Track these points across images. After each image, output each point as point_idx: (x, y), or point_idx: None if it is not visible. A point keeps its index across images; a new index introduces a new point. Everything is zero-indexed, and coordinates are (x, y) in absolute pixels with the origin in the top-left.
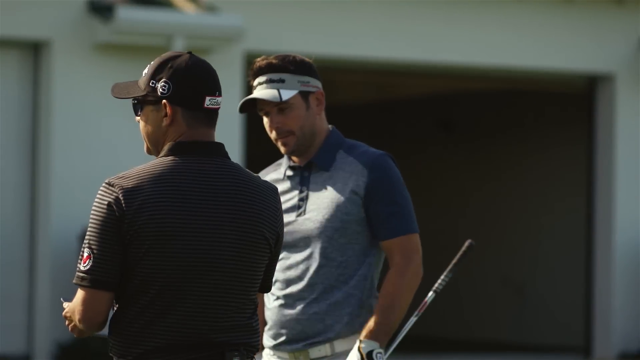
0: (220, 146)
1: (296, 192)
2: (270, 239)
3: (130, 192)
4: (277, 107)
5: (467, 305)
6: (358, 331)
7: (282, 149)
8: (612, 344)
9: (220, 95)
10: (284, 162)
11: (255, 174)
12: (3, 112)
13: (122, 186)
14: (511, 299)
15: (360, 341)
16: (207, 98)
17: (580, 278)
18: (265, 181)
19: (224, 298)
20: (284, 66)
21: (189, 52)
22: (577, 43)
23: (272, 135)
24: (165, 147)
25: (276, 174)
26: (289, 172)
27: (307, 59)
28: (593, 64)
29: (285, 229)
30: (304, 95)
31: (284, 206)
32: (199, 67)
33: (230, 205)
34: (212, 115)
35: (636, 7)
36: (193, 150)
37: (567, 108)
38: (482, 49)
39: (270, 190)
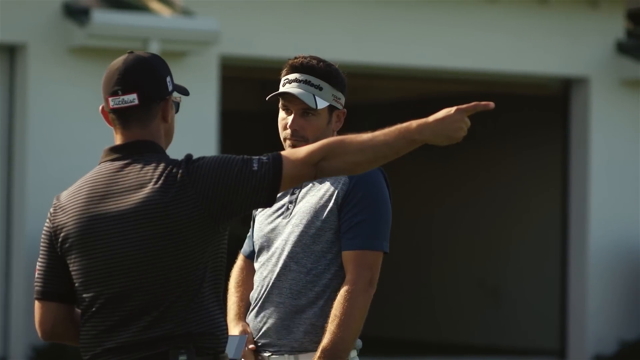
0: (139, 144)
1: (287, 195)
2: (194, 216)
3: (60, 206)
4: (303, 110)
5: (440, 308)
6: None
7: None
8: (586, 347)
9: (126, 92)
10: None
11: (173, 159)
12: None
13: (57, 199)
14: (486, 302)
15: None
16: (109, 99)
17: (554, 281)
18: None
19: (148, 293)
20: (327, 74)
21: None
22: (551, 46)
23: (285, 133)
24: None
25: None
26: None
27: (343, 74)
28: (567, 67)
29: (270, 229)
30: (331, 109)
31: (276, 205)
32: (108, 69)
33: (134, 199)
34: (124, 115)
35: (611, 9)
36: (112, 154)
37: (541, 111)
38: (456, 51)
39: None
